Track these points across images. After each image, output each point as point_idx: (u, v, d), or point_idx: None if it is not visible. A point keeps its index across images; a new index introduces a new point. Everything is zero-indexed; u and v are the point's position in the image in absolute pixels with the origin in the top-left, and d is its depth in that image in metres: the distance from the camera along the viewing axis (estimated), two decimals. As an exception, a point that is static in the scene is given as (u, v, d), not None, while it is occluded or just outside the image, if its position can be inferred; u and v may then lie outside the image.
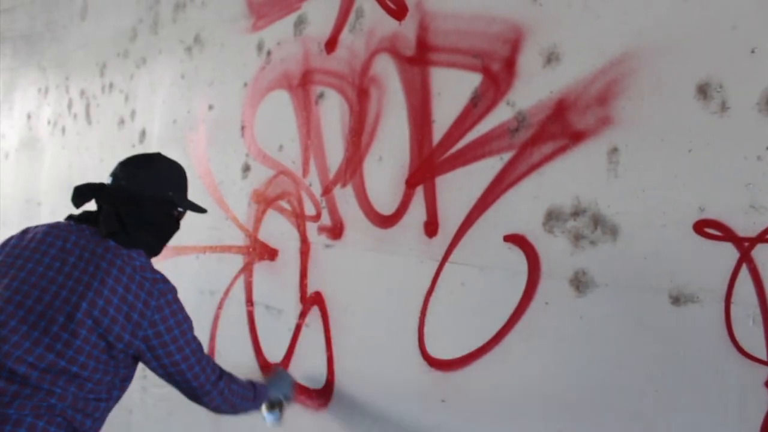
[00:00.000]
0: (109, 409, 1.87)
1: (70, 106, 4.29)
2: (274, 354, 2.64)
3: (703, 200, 1.55)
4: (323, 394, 2.42)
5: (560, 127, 1.79)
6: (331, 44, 2.46)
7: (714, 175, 1.54)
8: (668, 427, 1.59)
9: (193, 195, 3.08)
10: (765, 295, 1.46)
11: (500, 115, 1.92)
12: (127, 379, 1.89)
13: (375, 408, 2.27)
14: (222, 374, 1.98)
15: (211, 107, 3.03)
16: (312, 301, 2.48)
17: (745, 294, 1.48)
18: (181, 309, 1.86)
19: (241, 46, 2.88)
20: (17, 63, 5.07)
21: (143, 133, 3.50)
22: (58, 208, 4.27)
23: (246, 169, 2.80)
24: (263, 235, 2.73)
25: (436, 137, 2.08)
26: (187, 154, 3.14)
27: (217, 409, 1.99)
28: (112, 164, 3.71)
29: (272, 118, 2.71)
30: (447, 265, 2.04)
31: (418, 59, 2.14)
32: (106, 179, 1.97)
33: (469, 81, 1.99)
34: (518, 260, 1.87)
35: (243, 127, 2.83)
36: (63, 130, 4.34)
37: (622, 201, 1.68)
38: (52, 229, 1.88)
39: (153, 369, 1.87)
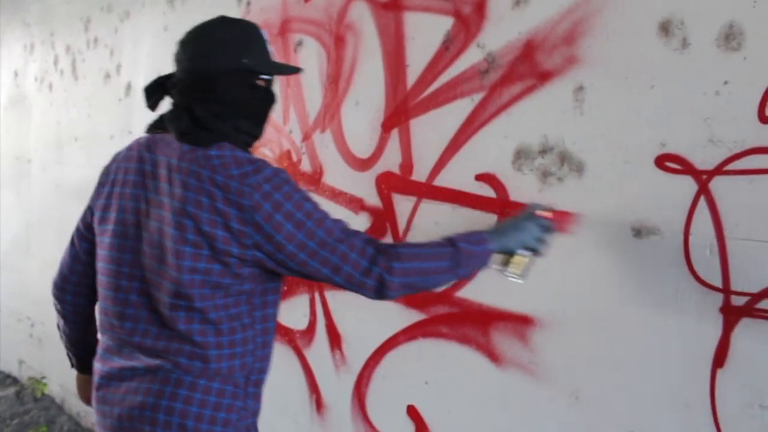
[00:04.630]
0: (265, 344, 1.58)
1: (56, 62, 4.29)
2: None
3: (664, 135, 1.60)
4: (306, 334, 2.50)
5: (528, 68, 1.83)
6: (308, -8, 2.47)
7: (675, 111, 1.58)
8: (631, 351, 1.67)
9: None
10: (721, 226, 1.52)
11: (471, 57, 1.95)
12: (275, 292, 1.58)
13: (355, 347, 2.35)
14: (376, 255, 1.48)
15: (193, 59, 3.04)
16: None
17: (703, 225, 1.54)
18: (288, 195, 1.46)
19: (221, -3, 2.88)
20: (1, 20, 5.04)
21: (129, 87, 3.52)
22: (48, 165, 4.30)
23: (229, 118, 2.83)
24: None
25: (410, 81, 2.11)
26: (171, 106, 3.17)
27: (382, 296, 1.50)
28: (100, 119, 3.79)
29: (253, 68, 2.72)
30: (422, 204, 2.10)
31: (393, 5, 2.17)
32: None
33: (441, 24, 2.02)
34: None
35: (225, 78, 2.85)
36: (50, 86, 4.34)
37: (588, 138, 1.73)
38: (129, 152, 1.64)
39: (285, 274, 1.52)
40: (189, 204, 1.44)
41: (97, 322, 1.67)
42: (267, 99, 1.62)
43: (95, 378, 1.61)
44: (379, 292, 1.49)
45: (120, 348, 1.56)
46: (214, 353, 1.47)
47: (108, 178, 1.67)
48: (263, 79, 1.59)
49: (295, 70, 1.69)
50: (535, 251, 1.63)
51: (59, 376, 4.21)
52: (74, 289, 1.76)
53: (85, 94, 3.95)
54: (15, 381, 4.70)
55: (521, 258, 1.62)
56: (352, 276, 1.47)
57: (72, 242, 1.76)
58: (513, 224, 1.62)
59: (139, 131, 3.40)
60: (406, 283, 1.49)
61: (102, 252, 1.62)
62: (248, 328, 1.52)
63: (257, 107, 1.60)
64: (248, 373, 1.53)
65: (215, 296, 1.47)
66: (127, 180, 1.59)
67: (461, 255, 1.53)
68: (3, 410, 4.24)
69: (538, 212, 1.64)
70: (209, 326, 1.48)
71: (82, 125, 3.95)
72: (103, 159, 3.69)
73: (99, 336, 1.68)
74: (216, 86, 1.50)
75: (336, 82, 2.35)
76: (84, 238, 1.73)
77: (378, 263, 1.47)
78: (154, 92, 1.61)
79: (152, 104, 1.62)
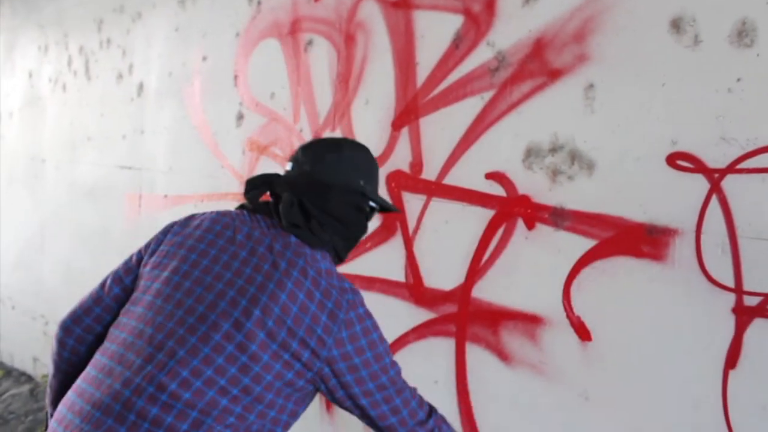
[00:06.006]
0: None
1: (69, 63, 4.32)
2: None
3: (675, 133, 1.59)
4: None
5: (538, 66, 1.82)
6: (319, -9, 2.48)
7: (686, 108, 1.57)
8: (641, 352, 1.65)
9: (189, 145, 3.18)
10: (734, 225, 1.51)
11: (481, 55, 1.95)
12: (294, 416, 1.45)
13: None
14: (431, 411, 1.53)
15: (205, 58, 3.06)
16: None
17: (715, 224, 1.53)
18: (375, 327, 1.44)
19: (232, -3, 2.90)
20: (16, 22, 5.08)
21: (141, 87, 3.54)
22: (62, 164, 4.34)
23: (240, 117, 2.84)
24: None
25: (420, 79, 2.11)
26: (183, 106, 3.18)
27: None
28: (112, 119, 3.82)
29: (264, 67, 2.74)
30: (432, 203, 2.10)
31: (402, 3, 2.17)
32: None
33: (451, 23, 2.02)
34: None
35: (236, 77, 2.87)
36: (64, 87, 4.37)
37: (598, 136, 1.72)
38: (221, 216, 1.53)
39: (339, 401, 1.44)
40: (284, 293, 1.36)
41: (95, 365, 1.43)
42: (364, 227, 1.59)
43: None
44: None
45: (104, 416, 1.32)
46: None
47: (182, 230, 1.54)
48: (369, 206, 1.57)
49: (396, 210, 1.69)
50: None
51: (73, 375, 4.24)
52: (81, 333, 1.55)
53: (98, 94, 3.97)
54: (29, 378, 4.74)
55: None
56: (407, 423, 1.47)
57: (101, 285, 1.58)
58: None
59: (150, 131, 3.43)
60: None
61: (143, 296, 1.45)
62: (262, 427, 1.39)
63: (354, 232, 1.56)
64: None
65: (256, 392, 1.34)
66: (211, 240, 1.47)
67: None
68: (18, 407, 4.28)
69: None
70: (230, 416, 1.33)
71: (95, 125, 3.97)
72: (115, 158, 3.73)
73: (82, 385, 1.41)
74: (330, 196, 1.49)
75: (346, 81, 2.36)
76: (119, 282, 1.55)
77: (433, 419, 1.50)
78: (256, 185, 1.56)
79: (252, 197, 1.55)
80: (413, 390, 1.49)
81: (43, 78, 4.66)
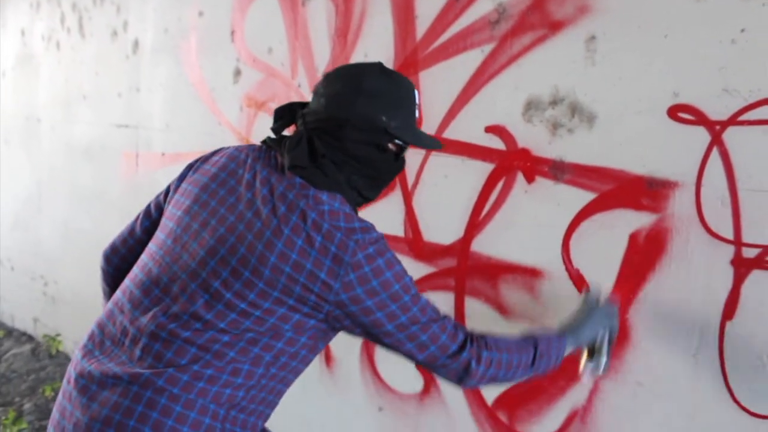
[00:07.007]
0: (269, 388, 1.39)
1: (62, 20, 4.25)
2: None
3: (677, 85, 1.58)
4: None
5: (539, 18, 1.80)
6: (316, -57, 2.43)
7: (689, 60, 1.56)
8: (639, 303, 1.67)
9: (186, 102, 3.15)
10: (734, 177, 1.51)
11: (481, 7, 1.92)
12: (313, 351, 1.43)
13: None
14: (466, 342, 1.43)
15: (201, 13, 3.01)
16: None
17: (715, 177, 1.53)
18: (390, 264, 1.34)
19: (228, -50, 2.84)
20: (8, -22, 4.99)
21: (136, 44, 3.49)
22: (57, 124, 4.30)
23: (237, 73, 2.81)
24: (255, 138, 2.77)
25: (420, 32, 2.09)
26: (179, 62, 3.15)
27: (463, 383, 1.45)
28: (108, 77, 3.78)
29: (261, 22, 2.70)
30: (431, 157, 2.09)
31: (402, -46, 2.13)
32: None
33: (451, -26, 1.99)
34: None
35: (233, 32, 2.83)
36: (57, 45, 4.31)
37: (599, 89, 1.70)
38: (238, 152, 1.48)
39: (360, 337, 1.41)
40: (281, 240, 1.30)
41: (113, 298, 1.48)
42: (393, 165, 1.46)
43: (71, 370, 1.40)
44: (461, 378, 1.43)
45: (113, 346, 1.39)
46: (209, 372, 1.31)
47: (202, 167, 1.51)
48: (396, 144, 1.42)
49: (436, 145, 1.50)
50: (612, 337, 1.63)
51: (73, 334, 4.27)
52: (118, 262, 1.61)
53: (92, 52, 3.92)
54: (30, 338, 4.78)
55: (600, 348, 1.63)
56: (437, 358, 1.40)
57: (136, 217, 1.62)
58: (583, 318, 1.61)
59: (146, 88, 3.39)
60: (489, 374, 1.43)
61: (159, 234, 1.47)
62: (265, 366, 1.36)
63: (379, 170, 1.43)
64: (231, 407, 1.34)
65: (257, 332, 1.32)
66: (223, 180, 1.44)
67: (541, 349, 1.50)
68: (19, 366, 4.32)
69: (601, 298, 1.65)
70: (231, 350, 1.32)
71: (90, 83, 3.93)
72: (112, 117, 3.70)
73: (102, 317, 1.47)
74: (344, 134, 1.37)
75: (345, 36, 2.32)
76: (148, 216, 1.58)
77: (467, 349, 1.41)
78: (283, 115, 1.48)
79: (278, 128, 1.46)
80: (444, 322, 1.40)
81: (36, 36, 4.59)
